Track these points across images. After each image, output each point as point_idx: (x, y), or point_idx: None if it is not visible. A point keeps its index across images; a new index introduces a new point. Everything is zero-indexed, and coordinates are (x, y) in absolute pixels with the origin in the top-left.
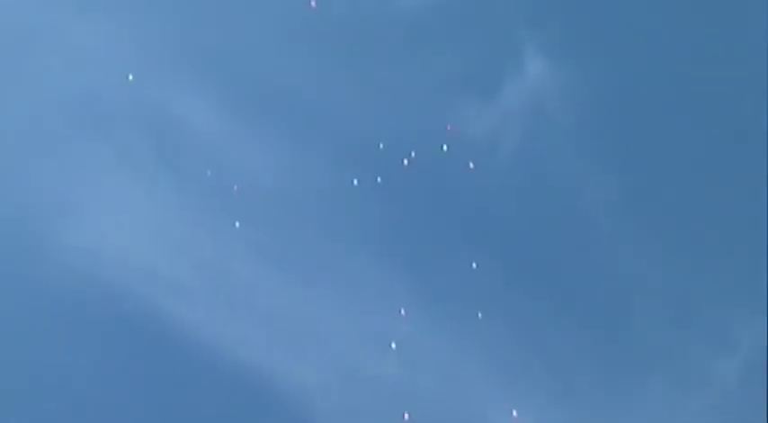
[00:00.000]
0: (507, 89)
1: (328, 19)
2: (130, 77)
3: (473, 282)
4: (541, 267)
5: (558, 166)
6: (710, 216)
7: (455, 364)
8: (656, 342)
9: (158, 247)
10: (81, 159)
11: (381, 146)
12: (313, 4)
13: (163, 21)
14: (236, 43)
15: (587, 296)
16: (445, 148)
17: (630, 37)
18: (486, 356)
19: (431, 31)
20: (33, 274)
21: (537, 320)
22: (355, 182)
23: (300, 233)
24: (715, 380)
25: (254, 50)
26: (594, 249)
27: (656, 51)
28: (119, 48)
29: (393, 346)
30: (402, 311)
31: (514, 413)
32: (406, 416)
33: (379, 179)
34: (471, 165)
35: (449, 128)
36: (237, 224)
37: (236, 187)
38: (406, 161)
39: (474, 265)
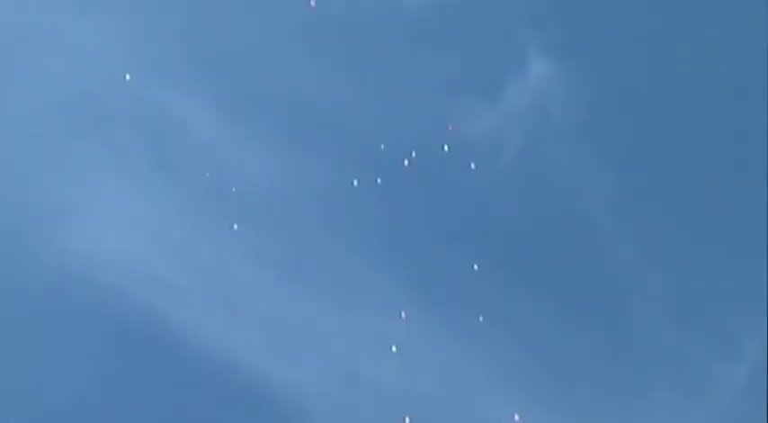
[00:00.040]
0: (509, 90)
1: (328, 18)
2: (127, 77)
3: (474, 284)
4: (543, 270)
5: (561, 168)
6: (714, 217)
7: (456, 368)
8: (659, 346)
9: (156, 250)
10: (78, 161)
11: (382, 146)
12: (312, 3)
13: (161, 21)
14: (235, 43)
15: (590, 299)
16: (446, 148)
17: (634, 37)
18: (487, 360)
19: (432, 31)
20: (29, 277)
21: (539, 323)
22: (355, 183)
23: (300, 235)
24: (719, 384)
25: (254, 51)
26: (598, 251)
27: (659, 52)
28: (116, 48)
29: (393, 349)
30: (402, 314)
31: (516, 417)
32: (407, 420)
33: (379, 180)
34: (473, 165)
35: (450, 128)
36: (236, 226)
37: (234, 189)
38: (406, 162)
39: (475, 267)
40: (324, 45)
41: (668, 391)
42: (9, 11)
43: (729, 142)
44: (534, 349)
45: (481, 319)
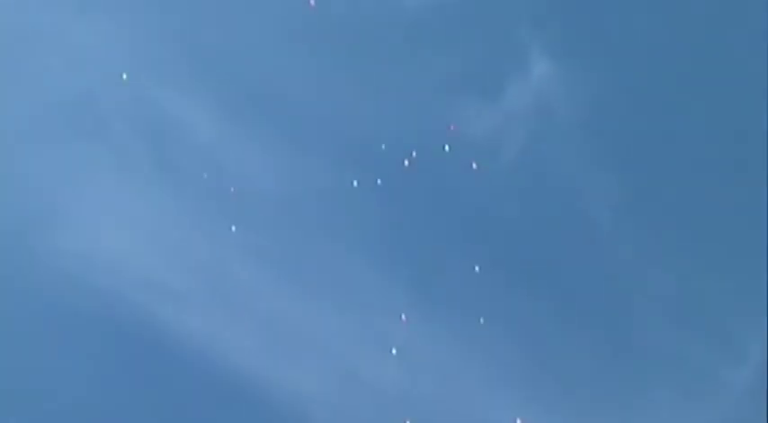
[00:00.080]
0: (511, 90)
1: (328, 18)
2: (124, 76)
3: (475, 286)
4: (544, 271)
5: (562, 168)
6: (715, 217)
7: (457, 370)
8: (662, 348)
9: (154, 251)
10: (75, 161)
11: (383, 146)
12: (312, 2)
13: (160, 21)
14: (234, 43)
15: (592, 301)
16: (447, 147)
17: (636, 38)
18: (488, 362)
19: (433, 31)
20: (26, 278)
21: (540, 325)
22: (355, 183)
23: (299, 236)
24: (719, 385)
25: (253, 50)
26: (600, 253)
27: (661, 52)
28: (116, 48)
29: (394, 351)
30: (402, 316)
31: (518, 421)
32: None
33: (379, 181)
34: (474, 165)
35: (452, 128)
36: (234, 228)
37: (232, 189)
38: (406, 162)
39: (476, 268)
40: (324, 45)
41: (669, 391)
42: (9, 11)
43: (730, 142)
44: (535, 351)
45: (482, 320)
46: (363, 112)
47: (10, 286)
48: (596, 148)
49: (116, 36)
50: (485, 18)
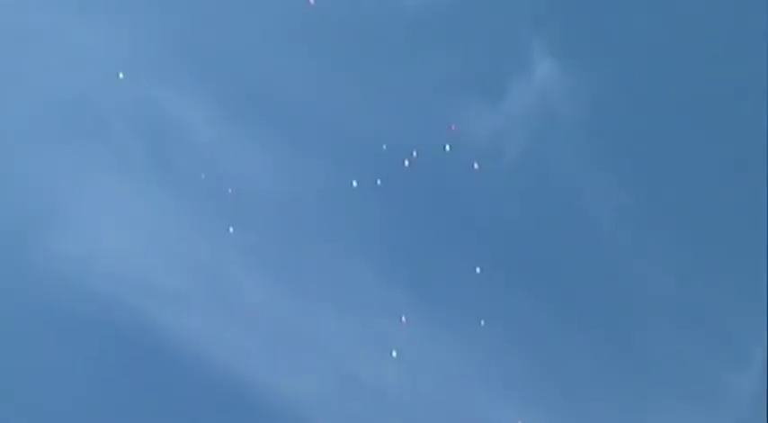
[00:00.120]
0: (514, 90)
1: (328, 18)
2: (121, 76)
3: (476, 288)
4: (547, 272)
5: (565, 169)
6: (722, 219)
7: (457, 373)
8: (665, 351)
9: (152, 254)
10: (73, 162)
11: (384, 146)
12: (312, 1)
13: (159, 21)
14: (233, 43)
15: (595, 303)
16: (447, 147)
17: (639, 38)
18: (489, 365)
19: (435, 31)
20: (22, 281)
21: (542, 327)
22: (354, 184)
23: (299, 237)
24: (722, 387)
25: (252, 50)
26: (603, 255)
27: (664, 53)
28: (113, 48)
29: (394, 354)
30: (403, 318)
31: None
32: None
33: (379, 181)
34: (476, 165)
35: (453, 128)
36: (231, 229)
37: (230, 190)
38: (407, 162)
39: (477, 269)
40: (324, 45)
41: (670, 393)
42: (7, 11)
43: (731, 142)
44: (536, 353)
45: (483, 322)
46: (364, 112)
47: (6, 289)
48: (599, 149)
49: (115, 36)
50: (486, 18)
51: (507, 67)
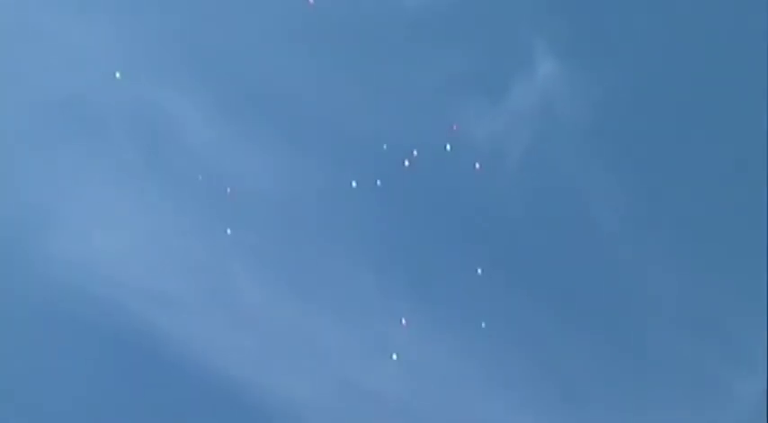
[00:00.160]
0: (516, 90)
1: (328, 16)
2: (117, 75)
3: (477, 289)
4: (549, 274)
5: (568, 170)
6: (725, 220)
7: (458, 376)
8: (669, 355)
9: (150, 257)
10: (68, 164)
11: (384, 146)
12: (311, 0)
13: (155, 21)
14: (231, 42)
15: (598, 305)
16: (448, 147)
17: (643, 37)
18: (490, 368)
19: (437, 30)
20: (18, 286)
21: (544, 330)
22: (354, 184)
23: (298, 239)
24: (722, 388)
25: (251, 49)
26: (605, 256)
27: (667, 53)
28: (109, 48)
29: (394, 356)
30: (403, 321)
31: None
32: None
33: (379, 182)
34: (477, 165)
35: (455, 128)
36: (229, 231)
37: (228, 190)
38: (407, 162)
39: (479, 270)
40: (324, 45)
41: (673, 396)
42: (4, 11)
43: (732, 142)
44: (538, 356)
45: (484, 324)
46: (364, 112)
47: (2, 292)
48: (601, 149)
49: (112, 36)
50: (488, 17)
51: (509, 66)
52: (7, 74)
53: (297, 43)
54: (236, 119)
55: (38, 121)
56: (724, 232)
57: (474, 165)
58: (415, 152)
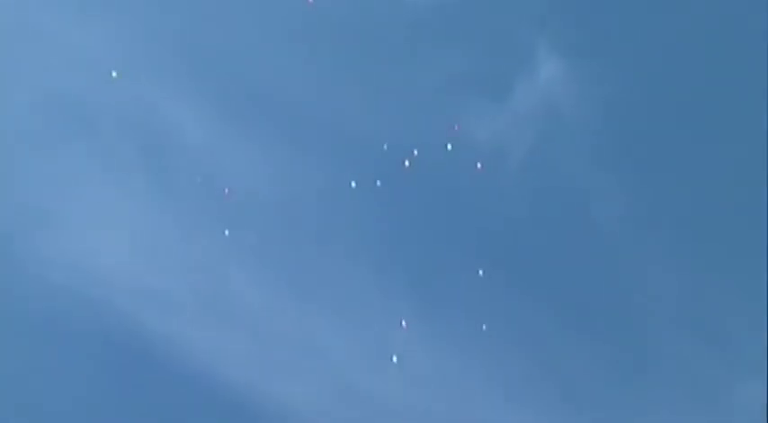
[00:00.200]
0: (518, 90)
1: (328, 16)
2: (114, 74)
3: (478, 291)
4: (551, 276)
5: (570, 171)
6: (728, 220)
7: (459, 379)
8: (673, 358)
9: (146, 260)
10: (62, 166)
11: (385, 146)
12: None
13: (152, 21)
14: (231, 42)
15: (601, 308)
16: (449, 146)
17: (646, 37)
18: (491, 371)
19: (438, 29)
20: (10, 287)
21: (546, 332)
22: (353, 184)
23: (297, 241)
24: (727, 392)
25: (251, 49)
26: (609, 258)
27: (671, 52)
28: (106, 48)
29: (394, 359)
30: (403, 323)
31: None
32: None
33: (379, 183)
34: (479, 165)
35: (456, 128)
36: (227, 232)
37: (226, 190)
38: (407, 162)
39: (480, 272)
40: (323, 44)
41: (674, 397)
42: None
43: (734, 142)
44: (539, 358)
45: (485, 327)
46: (365, 113)
47: None
48: (604, 150)
49: (109, 36)
50: (490, 16)
51: (511, 66)
52: (3, 74)
53: (296, 43)
54: (234, 119)
55: (34, 122)
56: (725, 233)
57: (475, 165)
58: (415, 152)
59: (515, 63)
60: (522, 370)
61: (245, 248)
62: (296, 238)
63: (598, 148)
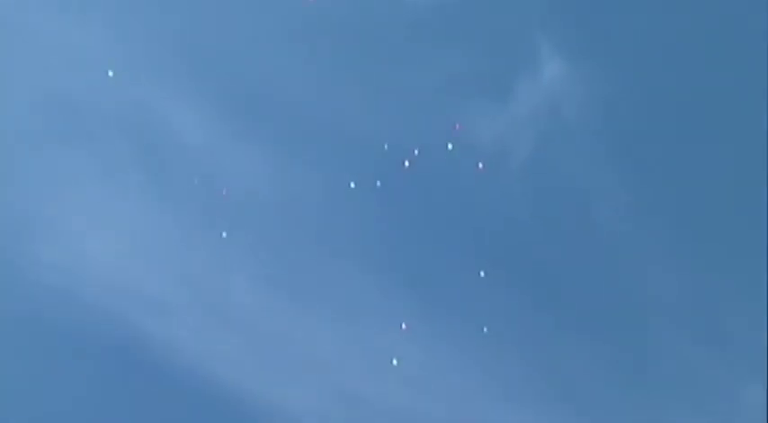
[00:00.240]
0: (520, 91)
1: (328, 15)
2: (110, 73)
3: (479, 293)
4: (553, 278)
5: (573, 172)
6: (734, 224)
7: (459, 383)
8: (673, 358)
9: (142, 261)
10: (57, 167)
11: (386, 146)
12: None
13: (150, 21)
14: (230, 42)
15: (604, 311)
16: (450, 146)
17: (649, 37)
18: (492, 374)
19: (439, 29)
20: (6, 292)
21: (548, 334)
22: (352, 185)
23: (296, 242)
24: (727, 392)
25: (250, 49)
26: (613, 262)
27: (675, 53)
28: (103, 49)
29: (394, 362)
30: (403, 325)
31: None
32: None
33: (378, 183)
34: (480, 165)
35: (457, 127)
36: (224, 234)
37: (224, 191)
38: (407, 162)
39: (481, 273)
40: (323, 44)
41: (674, 398)
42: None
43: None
44: (541, 361)
45: (486, 329)
46: (366, 113)
47: None
48: (607, 151)
49: (107, 37)
50: (492, 15)
51: (514, 66)
52: (1, 75)
53: (296, 43)
54: (233, 119)
55: (30, 123)
56: (726, 233)
57: (477, 165)
58: (416, 151)
59: (517, 63)
60: (523, 372)
61: (243, 249)
62: (295, 238)
63: (600, 148)
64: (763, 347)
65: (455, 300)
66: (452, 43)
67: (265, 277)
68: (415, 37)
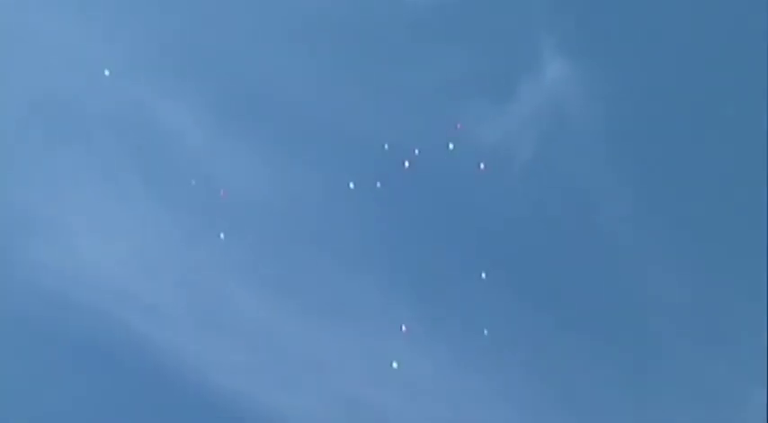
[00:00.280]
0: (523, 91)
1: (329, 15)
2: (107, 73)
3: (480, 294)
4: (555, 279)
5: (576, 172)
6: (734, 225)
7: (459, 385)
8: (674, 359)
9: (138, 263)
10: (53, 169)
11: (386, 146)
12: None
13: (149, 22)
14: (229, 43)
15: (605, 312)
16: (451, 146)
17: (652, 37)
18: (492, 377)
19: (441, 29)
20: (2, 295)
21: (549, 336)
22: (351, 185)
23: (295, 244)
24: (727, 392)
25: (249, 49)
26: (614, 263)
27: (677, 52)
28: (100, 48)
29: (395, 365)
30: (403, 327)
31: None
32: None
33: (378, 184)
34: (482, 165)
35: (458, 127)
36: (222, 236)
37: (222, 191)
38: (407, 163)
39: (483, 275)
40: (324, 44)
41: (675, 399)
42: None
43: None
44: (542, 364)
45: (486, 331)
46: (367, 114)
47: None
48: (614, 154)
49: (106, 37)
50: (495, 15)
51: (516, 66)
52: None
53: (296, 43)
54: (232, 120)
55: (29, 124)
56: (727, 234)
57: (478, 165)
58: (416, 151)
59: (519, 63)
60: (524, 375)
61: (242, 251)
62: (294, 239)
63: (602, 149)
64: (763, 348)
65: (456, 302)
66: (453, 43)
67: (264, 279)
68: (415, 37)
